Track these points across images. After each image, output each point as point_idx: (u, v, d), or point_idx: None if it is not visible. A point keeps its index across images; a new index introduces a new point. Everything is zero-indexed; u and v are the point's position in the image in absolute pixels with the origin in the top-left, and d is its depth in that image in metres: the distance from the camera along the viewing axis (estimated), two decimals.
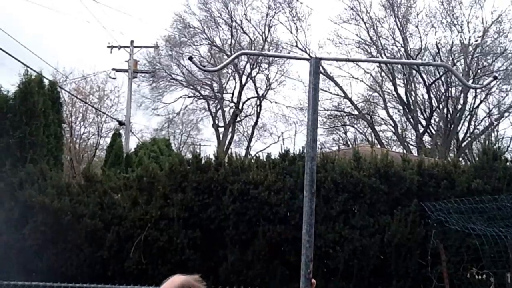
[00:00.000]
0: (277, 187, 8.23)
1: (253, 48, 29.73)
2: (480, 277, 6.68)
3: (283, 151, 9.04)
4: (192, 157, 8.85)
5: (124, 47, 25.99)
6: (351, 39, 29.28)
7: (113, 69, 26.41)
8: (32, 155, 9.92)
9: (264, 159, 9.13)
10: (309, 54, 28.66)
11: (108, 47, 26.06)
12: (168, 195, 8.49)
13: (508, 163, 8.66)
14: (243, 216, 8.15)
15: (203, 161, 8.76)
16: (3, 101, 10.46)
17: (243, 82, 31.16)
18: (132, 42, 26.04)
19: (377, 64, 28.92)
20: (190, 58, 2.90)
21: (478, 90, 27.75)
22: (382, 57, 28.18)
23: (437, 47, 27.58)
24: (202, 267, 8.17)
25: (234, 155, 9.31)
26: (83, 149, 28.37)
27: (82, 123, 28.06)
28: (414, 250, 7.92)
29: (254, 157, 9.72)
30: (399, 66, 28.40)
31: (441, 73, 27.33)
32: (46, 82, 12.66)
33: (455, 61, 27.67)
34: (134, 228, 8.28)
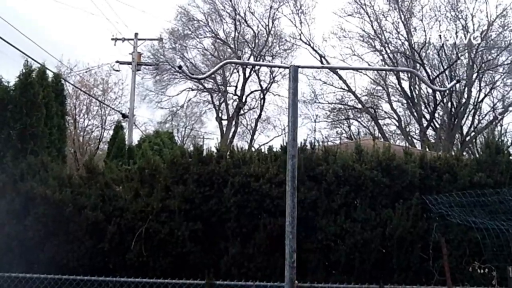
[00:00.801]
0: (279, 180, 8.20)
1: (256, 41, 29.66)
2: (482, 271, 6.65)
3: (284, 144, 9.01)
4: (193, 149, 8.83)
5: (128, 39, 25.99)
6: (355, 32, 29.25)
7: (117, 62, 26.45)
8: (33, 146, 9.93)
9: (266, 152, 9.11)
10: (312, 46, 28.58)
11: (112, 39, 26.09)
12: (169, 187, 8.47)
13: (511, 157, 8.61)
14: (244, 209, 8.13)
15: (204, 154, 8.75)
16: (3, 92, 10.45)
17: (247, 75, 31.14)
18: (136, 34, 26.03)
19: (381, 57, 28.84)
20: (180, 67, 3.07)
21: (482, 84, 27.67)
22: (386, 51, 28.08)
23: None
24: (203, 259, 8.18)
25: (235, 147, 9.30)
26: (86, 142, 28.43)
27: (86, 115, 28.13)
28: (415, 243, 7.89)
29: (256, 150, 9.71)
30: (403, 60, 28.30)
31: (445, 67, 27.24)
32: (50, 74, 12.67)
33: (460, 55, 27.56)
34: (135, 220, 8.27)
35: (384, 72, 29.88)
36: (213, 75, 26.62)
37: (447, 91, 26.84)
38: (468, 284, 7.03)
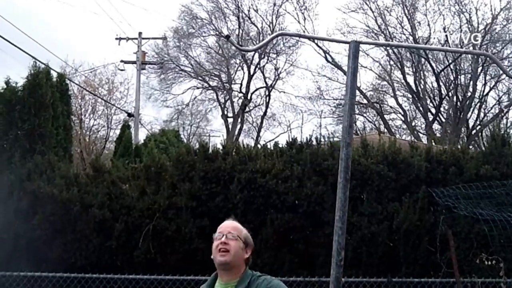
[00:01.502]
0: (285, 175, 8.22)
1: (260, 38, 29.66)
2: (489, 262, 6.65)
3: (290, 139, 9.03)
4: (199, 147, 8.85)
5: (132, 38, 26.04)
6: (359, 28, 29.18)
7: (122, 61, 26.51)
8: (41, 146, 9.97)
9: (272, 148, 9.12)
10: (316, 43, 28.58)
11: (116, 39, 26.14)
12: (175, 185, 8.50)
13: None
14: (251, 205, 8.15)
15: (210, 151, 8.77)
16: (12, 93, 10.51)
17: (252, 72, 31.13)
18: (140, 33, 26.08)
19: (386, 52, 28.76)
20: (227, 37, 2.95)
21: (487, 77, 27.58)
22: (390, 45, 27.99)
23: (446, 35, 27.42)
24: (211, 255, 8.19)
25: (241, 144, 9.32)
26: (93, 141, 28.50)
27: (91, 115, 28.20)
28: (422, 236, 7.89)
29: (261, 146, 9.72)
30: (408, 54, 28.22)
31: (450, 61, 27.15)
32: (54, 74, 12.72)
33: (464, 48, 27.47)
34: (142, 218, 8.29)
35: (389, 67, 29.80)
36: (254, 51, 25.50)
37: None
38: (475, 276, 7.03)
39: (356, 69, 2.69)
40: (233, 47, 29.20)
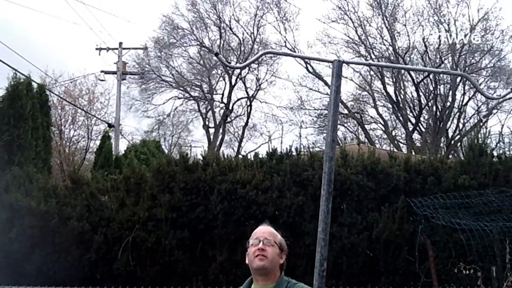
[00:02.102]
0: (265, 186, 8.23)
1: (242, 48, 29.73)
2: (467, 272, 6.71)
3: (270, 150, 9.05)
4: (179, 157, 8.84)
5: (113, 49, 25.93)
6: (339, 38, 29.38)
7: (102, 71, 26.34)
8: (20, 158, 9.90)
9: (252, 159, 9.13)
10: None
11: (97, 49, 25.99)
12: (155, 196, 8.46)
13: (494, 159, 8.71)
14: (231, 216, 8.14)
15: (190, 161, 8.75)
16: None
17: (233, 82, 31.16)
18: (120, 43, 25.98)
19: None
20: (216, 54, 2.97)
21: (466, 87, 27.90)
22: (371, 56, 28.24)
23: (425, 45, 27.72)
24: (191, 267, 8.17)
25: (222, 155, 9.31)
26: (72, 152, 28.23)
27: (71, 126, 27.94)
28: (402, 246, 7.94)
29: (242, 157, 9.73)
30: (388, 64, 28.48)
31: (428, 72, 27.45)
32: (34, 85, 12.63)
33: (443, 59, 27.79)
34: (122, 230, 8.24)
35: (369, 77, 30.04)
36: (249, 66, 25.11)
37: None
38: (454, 285, 7.08)
39: (339, 87, 2.78)
40: (216, 59, 29.25)
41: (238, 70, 30.28)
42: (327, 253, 2.73)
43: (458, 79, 26.99)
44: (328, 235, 2.63)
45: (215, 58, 29.57)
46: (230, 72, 30.26)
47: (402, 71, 28.30)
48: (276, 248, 3.04)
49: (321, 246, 2.62)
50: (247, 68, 30.49)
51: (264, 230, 3.12)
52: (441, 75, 28.10)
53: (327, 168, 2.65)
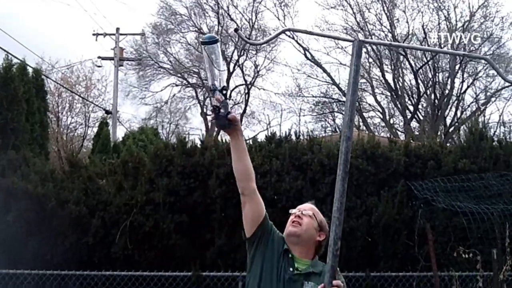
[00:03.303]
0: (264, 170, 8.17)
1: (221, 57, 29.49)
2: (466, 256, 6.68)
3: (269, 134, 8.99)
4: (177, 141, 8.77)
5: (110, 34, 25.77)
6: (338, 24, 29.25)
7: (99, 57, 26.19)
8: (15, 141, 9.79)
9: (251, 142, 9.07)
10: (296, 39, 28.60)
11: (94, 35, 25.84)
12: (153, 180, 8.40)
13: (494, 143, 8.67)
14: (230, 200, 8.08)
15: (188, 146, 8.69)
16: None
17: (231, 69, 31.01)
18: (117, 29, 25.83)
19: (365, 50, 28.87)
20: (236, 30, 2.90)
21: (465, 75, 27.84)
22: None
23: (424, 32, 27.61)
24: (189, 251, 8.13)
25: (220, 139, 9.25)
26: (70, 139, 28.14)
27: (69, 113, 27.84)
28: (401, 230, 7.91)
29: None
30: (387, 52, 28.37)
31: (428, 59, 27.35)
32: (30, 70, 12.51)
33: (442, 46, 27.69)
34: (119, 214, 8.19)
35: (368, 64, 29.91)
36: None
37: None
38: (453, 269, 7.06)
39: (359, 67, 2.75)
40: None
41: (236, 56, 30.15)
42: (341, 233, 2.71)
43: (457, 66, 26.91)
44: (343, 214, 2.62)
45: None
46: (228, 58, 30.10)
47: (401, 57, 28.16)
48: (314, 222, 3.04)
49: (336, 225, 2.61)
50: (246, 54, 30.39)
51: (306, 204, 3.19)
52: (440, 62, 27.99)
53: (344, 148, 2.65)
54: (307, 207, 3.14)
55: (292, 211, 3.12)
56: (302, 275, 2.93)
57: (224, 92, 2.88)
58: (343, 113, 2.89)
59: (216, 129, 30.33)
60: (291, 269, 2.96)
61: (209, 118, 31.10)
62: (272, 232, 3.10)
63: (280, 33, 3.50)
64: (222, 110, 2.88)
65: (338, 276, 2.83)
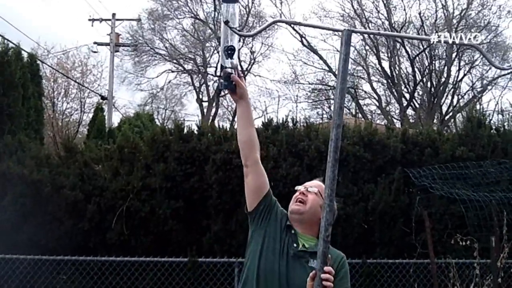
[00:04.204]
0: (260, 156, 8.10)
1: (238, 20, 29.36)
2: (464, 243, 6.67)
3: (266, 120, 8.94)
4: (174, 127, 8.72)
5: (106, 20, 25.62)
6: (335, 12, 29.17)
7: (95, 43, 26.05)
8: (11, 126, 9.70)
9: None
10: (293, 26, 28.46)
11: (89, 20, 25.70)
12: (150, 165, 8.36)
13: (492, 131, 8.65)
14: (226, 186, 8.05)
15: (185, 131, 8.64)
16: None
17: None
18: (113, 14, 25.68)
19: (361, 37, 28.78)
20: (226, 22, 2.90)
21: (461, 63, 27.80)
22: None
23: (421, 20, 27.52)
24: (185, 237, 8.10)
25: (217, 125, 9.20)
26: (65, 125, 28.03)
27: (64, 98, 27.70)
28: (398, 217, 7.90)
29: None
30: (384, 39, 28.27)
31: (425, 46, 27.28)
32: (25, 55, 12.40)
33: (439, 34, 27.61)
34: (115, 199, 8.14)
35: (364, 51, 29.84)
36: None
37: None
38: (450, 256, 7.05)
39: (348, 55, 2.74)
40: (209, 30, 28.92)
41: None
42: (332, 219, 2.69)
43: (454, 54, 26.86)
44: (333, 201, 2.60)
45: (209, 30, 29.32)
46: None
47: (398, 45, 28.10)
48: (320, 200, 2.92)
49: (326, 212, 2.58)
50: (242, 40, 30.20)
51: (313, 181, 3.10)
52: (436, 50, 27.93)
53: (334, 135, 2.63)
54: (314, 184, 3.06)
55: (298, 187, 3.06)
56: (308, 253, 2.88)
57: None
58: (334, 100, 2.92)
59: (211, 116, 30.32)
60: (295, 245, 2.91)
61: (204, 104, 31.03)
62: (275, 207, 3.05)
63: (269, 25, 3.50)
64: (232, 74, 2.93)
65: (342, 262, 2.87)
